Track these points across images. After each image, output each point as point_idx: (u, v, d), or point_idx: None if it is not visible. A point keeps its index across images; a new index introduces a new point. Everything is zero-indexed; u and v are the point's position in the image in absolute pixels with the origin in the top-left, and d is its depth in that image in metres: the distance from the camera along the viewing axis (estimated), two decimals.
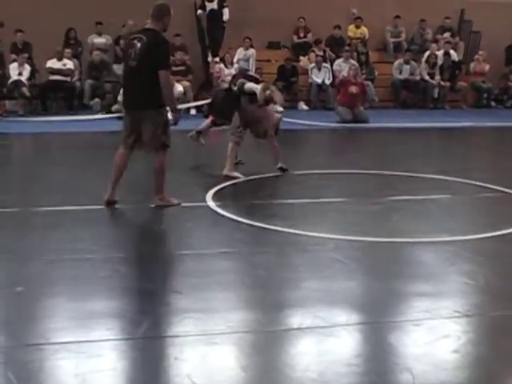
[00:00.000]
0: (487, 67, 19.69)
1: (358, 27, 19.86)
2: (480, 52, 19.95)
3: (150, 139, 7.44)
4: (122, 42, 6.88)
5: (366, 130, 15.04)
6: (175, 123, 7.75)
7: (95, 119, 15.16)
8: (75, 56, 17.62)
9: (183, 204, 7.55)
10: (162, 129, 7.44)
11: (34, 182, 8.88)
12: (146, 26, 7.57)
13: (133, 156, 7.71)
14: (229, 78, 17.51)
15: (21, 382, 3.66)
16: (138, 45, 7.32)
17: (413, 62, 19.34)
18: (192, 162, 10.73)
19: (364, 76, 17.85)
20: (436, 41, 20.12)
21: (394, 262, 5.94)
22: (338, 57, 18.97)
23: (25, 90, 16.24)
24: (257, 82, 9.56)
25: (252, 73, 12.32)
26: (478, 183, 8.77)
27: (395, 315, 4.76)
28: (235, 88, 9.36)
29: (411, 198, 8.11)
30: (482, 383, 3.86)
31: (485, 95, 19.91)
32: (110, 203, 7.53)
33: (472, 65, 19.89)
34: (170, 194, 7.61)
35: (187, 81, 17.26)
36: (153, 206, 7.52)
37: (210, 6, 18.24)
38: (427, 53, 19.62)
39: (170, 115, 7.67)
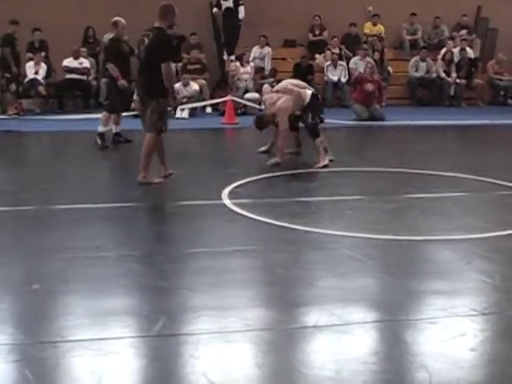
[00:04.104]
0: (506, 76, 19.60)
1: (374, 24, 19.82)
2: (500, 54, 19.77)
3: (147, 122, 8.51)
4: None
5: (381, 127, 15.00)
6: (174, 108, 9.98)
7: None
8: (94, 54, 17.66)
9: (200, 202, 7.56)
10: (160, 115, 8.40)
11: (50, 180, 8.91)
12: (155, 25, 8.48)
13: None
14: (245, 76, 17.65)
15: (37, 379, 3.67)
16: (146, 41, 8.39)
17: (429, 60, 19.26)
18: (208, 160, 10.74)
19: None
20: (452, 38, 20.03)
21: (410, 259, 5.92)
22: (353, 55, 18.95)
23: (41, 88, 16.32)
24: None
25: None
26: (494, 181, 8.72)
27: (411, 313, 4.74)
28: None
29: (427, 196, 8.08)
30: (499, 381, 3.83)
31: (501, 93, 19.81)
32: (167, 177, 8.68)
33: (490, 63, 19.76)
34: (155, 174, 8.62)
35: (203, 79, 17.25)
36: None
37: (225, 4, 18.25)
38: (443, 50, 19.53)
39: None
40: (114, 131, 11.82)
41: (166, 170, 8.73)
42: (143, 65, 8.51)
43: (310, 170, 9.55)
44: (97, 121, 11.73)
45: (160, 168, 8.75)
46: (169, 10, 8.43)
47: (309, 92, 10.14)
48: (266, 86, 11.01)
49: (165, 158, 8.75)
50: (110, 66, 11.54)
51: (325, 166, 9.68)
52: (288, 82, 10.51)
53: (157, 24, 8.44)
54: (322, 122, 10.35)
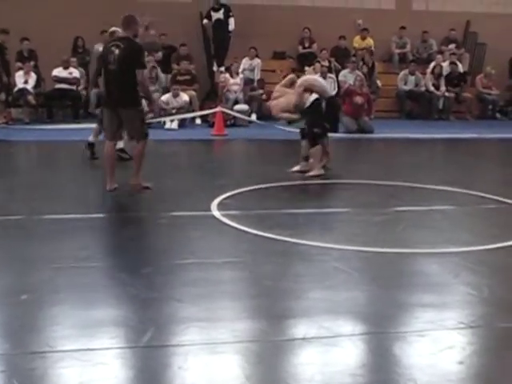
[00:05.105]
0: (494, 90, 19.74)
1: (363, 38, 19.89)
2: (488, 68, 19.88)
3: (131, 131, 8.82)
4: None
5: (370, 140, 15.04)
6: (152, 112, 10.19)
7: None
8: (83, 64, 17.65)
9: (189, 213, 7.56)
10: (141, 122, 8.77)
11: (39, 189, 8.89)
12: (121, 35, 8.89)
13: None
14: (234, 88, 17.67)
15: None
16: (116, 51, 8.49)
17: (418, 73, 19.35)
18: (197, 171, 10.74)
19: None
20: (441, 52, 20.14)
21: (398, 272, 5.93)
22: (343, 67, 19.00)
23: (30, 98, 16.31)
24: None
25: None
26: (482, 194, 8.76)
27: (400, 326, 4.75)
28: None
29: (416, 209, 8.10)
30: None
31: (490, 107, 19.93)
32: (113, 191, 8.65)
33: (479, 77, 19.86)
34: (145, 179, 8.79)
35: (193, 90, 17.27)
36: (128, 186, 8.65)
37: (215, 15, 18.32)
38: (432, 64, 19.63)
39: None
40: (117, 147, 11.70)
41: (112, 183, 8.70)
42: (116, 75, 8.54)
43: (298, 182, 9.57)
44: (86, 131, 11.73)
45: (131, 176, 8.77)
46: (131, 20, 8.75)
47: (312, 97, 10.03)
48: (293, 76, 10.85)
49: (114, 171, 8.77)
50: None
51: (317, 176, 9.70)
52: (306, 81, 10.40)
53: (123, 34, 8.77)
54: (324, 131, 10.24)
